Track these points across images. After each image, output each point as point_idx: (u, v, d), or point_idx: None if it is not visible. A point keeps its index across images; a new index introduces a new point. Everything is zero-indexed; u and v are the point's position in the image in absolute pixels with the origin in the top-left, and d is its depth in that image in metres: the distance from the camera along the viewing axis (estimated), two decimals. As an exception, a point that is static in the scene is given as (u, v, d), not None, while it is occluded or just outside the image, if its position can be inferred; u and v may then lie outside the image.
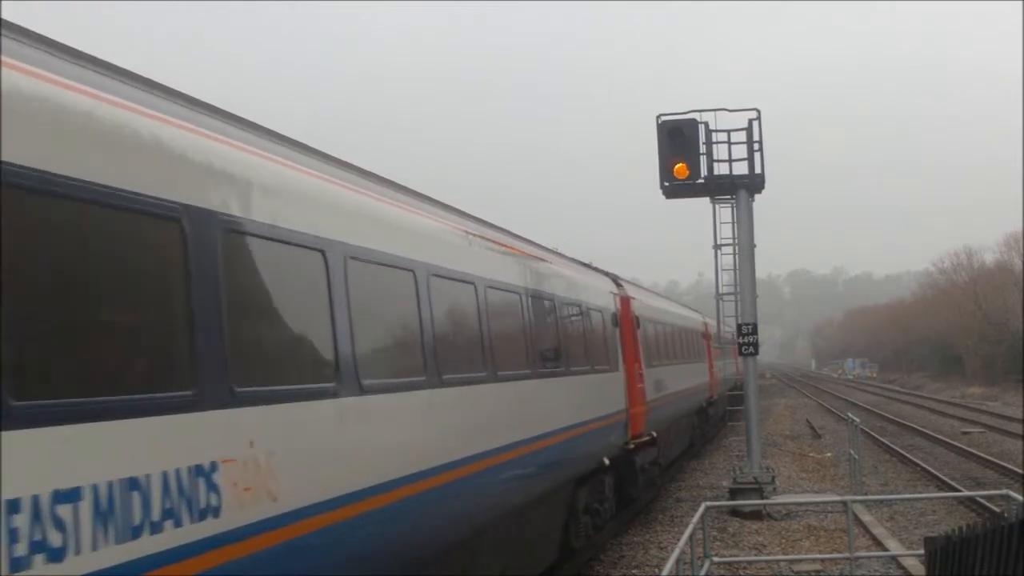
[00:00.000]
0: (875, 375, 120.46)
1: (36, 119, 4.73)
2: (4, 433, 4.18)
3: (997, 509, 18.79)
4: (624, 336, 19.06)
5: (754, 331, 21.88)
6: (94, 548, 4.55)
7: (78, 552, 4.45)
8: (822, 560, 16.39)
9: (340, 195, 7.84)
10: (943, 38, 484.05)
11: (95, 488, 4.59)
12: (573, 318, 15.23)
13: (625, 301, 20.05)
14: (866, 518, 19.59)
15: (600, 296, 17.85)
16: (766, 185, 21.95)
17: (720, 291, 23.00)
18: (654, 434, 20.77)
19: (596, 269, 20.00)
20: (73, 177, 4.78)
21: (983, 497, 20.12)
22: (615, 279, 20.77)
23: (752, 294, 22.07)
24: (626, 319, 19.54)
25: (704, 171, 21.52)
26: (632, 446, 18.65)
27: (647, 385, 20.56)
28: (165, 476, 5.08)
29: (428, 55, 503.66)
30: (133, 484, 4.85)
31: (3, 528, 4.10)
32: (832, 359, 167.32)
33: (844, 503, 16.12)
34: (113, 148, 5.18)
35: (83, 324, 4.89)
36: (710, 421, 37.65)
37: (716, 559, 15.25)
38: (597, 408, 15.87)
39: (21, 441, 4.25)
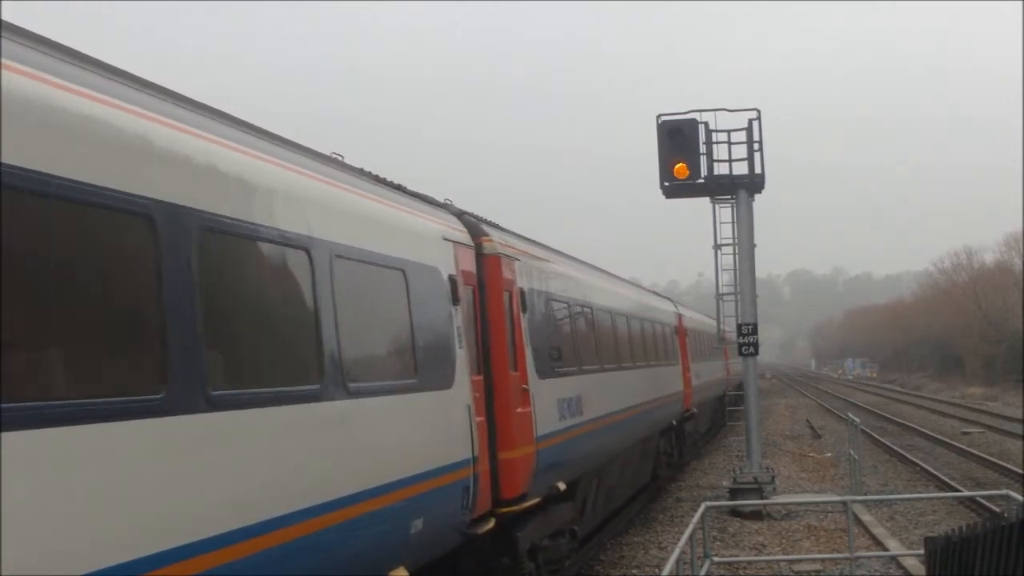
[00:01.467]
0: (875, 375, 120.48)
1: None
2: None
3: (997, 509, 18.79)
4: (491, 323, 11.57)
5: (754, 331, 21.91)
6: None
7: None
8: (822, 560, 16.39)
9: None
10: (943, 38, 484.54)
11: None
12: (280, 280, 7.30)
13: (493, 262, 11.83)
14: (866, 518, 19.60)
15: (404, 241, 9.39)
16: (766, 185, 22.00)
17: (720, 291, 23.01)
18: (561, 487, 13.18)
19: (424, 198, 11.20)
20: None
21: (983, 497, 20.13)
22: (473, 221, 12.10)
23: (752, 294, 22.09)
24: (495, 293, 11.75)
25: (704, 171, 21.56)
26: (482, 530, 10.55)
27: (542, 408, 12.60)
28: None
29: (428, 55, 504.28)
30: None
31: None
32: (832, 359, 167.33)
33: (844, 503, 16.13)
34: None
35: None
36: (687, 440, 29.20)
37: (716, 559, 15.26)
38: (336, 481, 7.38)
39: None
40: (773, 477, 22.17)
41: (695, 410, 30.06)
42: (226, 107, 7.22)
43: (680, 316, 30.67)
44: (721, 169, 21.74)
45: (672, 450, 26.59)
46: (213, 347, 6.13)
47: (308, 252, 7.39)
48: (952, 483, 24.17)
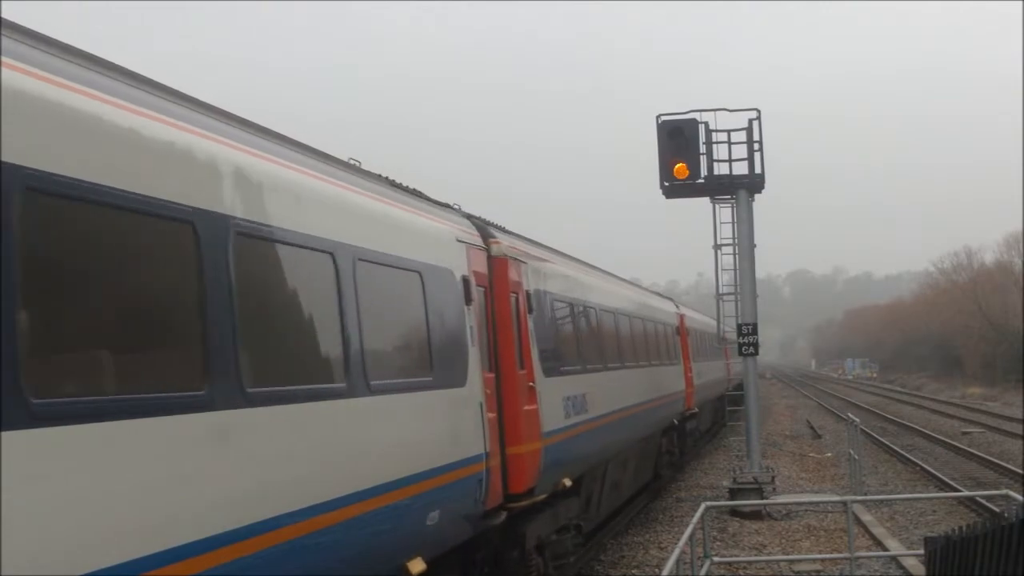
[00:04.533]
0: (875, 375, 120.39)
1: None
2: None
3: (997, 509, 18.78)
4: (499, 323, 11.46)
5: (754, 331, 21.90)
6: None
7: None
8: (822, 560, 16.40)
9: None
10: (944, 38, 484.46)
11: None
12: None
13: (501, 264, 11.73)
14: (866, 518, 19.59)
15: (421, 244, 9.45)
16: (766, 185, 21.99)
17: (720, 291, 23.01)
18: (567, 483, 13.36)
19: (437, 202, 10.96)
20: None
21: (983, 497, 20.12)
22: (481, 224, 12.05)
23: (752, 294, 22.09)
24: (502, 294, 11.70)
25: (704, 171, 21.57)
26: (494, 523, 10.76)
27: (547, 405, 12.55)
28: None
29: (428, 55, 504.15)
30: None
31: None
32: (832, 359, 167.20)
33: (844, 503, 16.13)
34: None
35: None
36: (688, 439, 29.66)
37: (716, 559, 15.24)
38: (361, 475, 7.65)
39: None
40: (773, 477, 22.17)
41: (696, 409, 30.15)
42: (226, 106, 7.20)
43: (682, 316, 30.64)
44: (721, 169, 21.74)
45: (673, 449, 26.61)
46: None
47: (339, 256, 7.55)
48: (952, 483, 24.16)
